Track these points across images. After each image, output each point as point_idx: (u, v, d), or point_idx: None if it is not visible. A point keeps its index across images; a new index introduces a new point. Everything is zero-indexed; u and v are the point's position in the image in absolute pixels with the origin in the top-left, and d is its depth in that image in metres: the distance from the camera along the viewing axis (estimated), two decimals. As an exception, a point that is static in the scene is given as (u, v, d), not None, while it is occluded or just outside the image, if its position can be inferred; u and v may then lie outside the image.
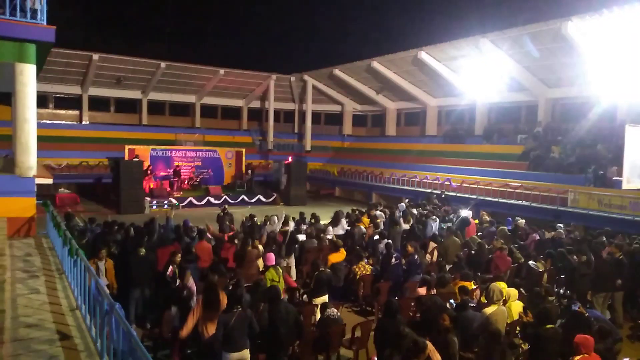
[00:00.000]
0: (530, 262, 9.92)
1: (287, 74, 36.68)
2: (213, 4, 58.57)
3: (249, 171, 29.16)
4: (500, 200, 19.65)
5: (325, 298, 8.40)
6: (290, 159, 28.69)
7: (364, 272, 9.93)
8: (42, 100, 30.03)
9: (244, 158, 30.07)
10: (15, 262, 6.92)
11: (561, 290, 9.73)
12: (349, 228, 13.58)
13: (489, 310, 6.79)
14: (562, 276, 10.03)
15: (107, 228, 11.12)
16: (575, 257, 10.00)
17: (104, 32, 46.72)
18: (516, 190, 19.43)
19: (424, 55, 26.16)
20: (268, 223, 13.16)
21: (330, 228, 13.38)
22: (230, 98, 37.73)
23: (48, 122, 29.51)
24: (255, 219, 13.93)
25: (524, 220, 14.32)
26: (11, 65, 8.42)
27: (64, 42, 20.72)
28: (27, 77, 8.53)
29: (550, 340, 6.10)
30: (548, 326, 6.15)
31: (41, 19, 8.50)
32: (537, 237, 12.60)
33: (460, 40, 24.04)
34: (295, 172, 26.73)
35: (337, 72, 33.07)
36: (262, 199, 26.53)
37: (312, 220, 13.97)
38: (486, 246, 11.26)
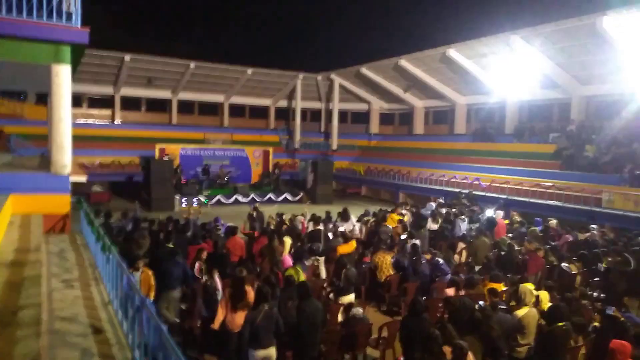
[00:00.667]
0: (563, 264, 9.68)
1: (314, 73, 36.73)
2: (241, 4, 59.19)
3: (276, 170, 29.33)
4: (532, 200, 19.20)
5: (351, 297, 8.38)
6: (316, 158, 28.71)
7: (384, 262, 9.92)
8: (77, 100, 30.92)
9: (271, 157, 30.27)
10: (51, 257, 7.14)
11: (594, 294, 9.43)
12: (358, 224, 13.58)
13: (521, 312, 6.62)
14: (596, 279, 9.74)
15: (137, 225, 11.39)
16: (610, 259, 9.71)
17: (135, 32, 47.80)
18: (548, 190, 18.96)
19: (452, 52, 25.80)
20: (294, 222, 13.22)
21: (338, 224, 13.42)
22: (258, 97, 38.04)
23: (82, 121, 30.38)
24: (283, 216, 14.04)
25: (556, 221, 13.97)
26: (47, 67, 8.69)
27: (97, 43, 21.25)
28: (62, 78, 8.78)
29: (560, 339, 5.94)
30: (560, 324, 6.00)
31: (75, 22, 8.73)
32: (570, 239, 12.28)
33: (489, 37, 23.61)
34: (322, 171, 26.76)
35: (364, 70, 32.92)
36: (289, 197, 26.64)
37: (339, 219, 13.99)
38: (516, 247, 11.03)
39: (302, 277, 8.20)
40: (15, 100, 28.78)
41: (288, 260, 8.71)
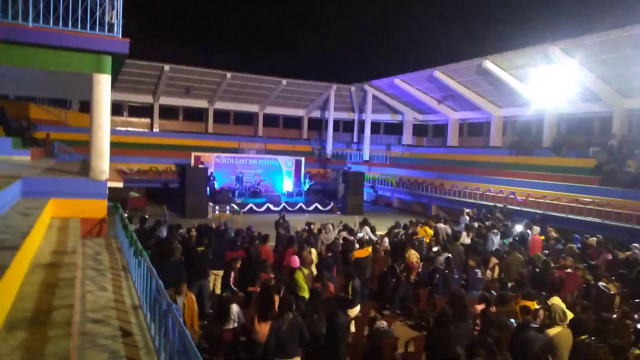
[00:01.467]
0: (600, 284, 9.30)
1: (347, 84, 36.87)
2: (277, 16, 60.14)
3: (307, 180, 29.45)
4: (569, 216, 18.59)
5: (357, 309, 8.24)
6: (348, 168, 28.66)
7: (413, 259, 10.28)
8: (117, 109, 32.05)
9: (303, 166, 30.44)
10: (87, 260, 7.36)
11: (636, 315, 9.00)
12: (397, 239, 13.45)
13: (553, 331, 6.28)
14: (637, 300, 9.30)
15: (171, 232, 11.63)
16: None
17: (174, 43, 49.17)
18: (587, 207, 18.31)
19: (488, 64, 25.41)
20: (323, 231, 13.22)
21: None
22: (292, 108, 38.44)
23: (122, 129, 31.39)
24: (312, 226, 14.06)
25: (595, 238, 13.47)
26: (89, 76, 9.03)
27: (138, 53, 22.00)
28: (103, 87, 9.09)
29: (583, 352, 5.68)
30: (582, 337, 5.76)
31: (117, 32, 9.06)
32: (610, 257, 11.79)
33: (527, 49, 23.15)
34: (353, 182, 26.70)
35: (397, 81, 32.81)
36: (320, 207, 26.68)
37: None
38: (552, 264, 10.67)
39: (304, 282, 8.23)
40: (60, 108, 30.06)
41: (295, 261, 8.75)
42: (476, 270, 9.66)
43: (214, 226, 12.71)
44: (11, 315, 4.14)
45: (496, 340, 5.98)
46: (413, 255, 10.92)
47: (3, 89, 15.86)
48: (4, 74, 10.09)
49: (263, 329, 6.47)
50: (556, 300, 7.38)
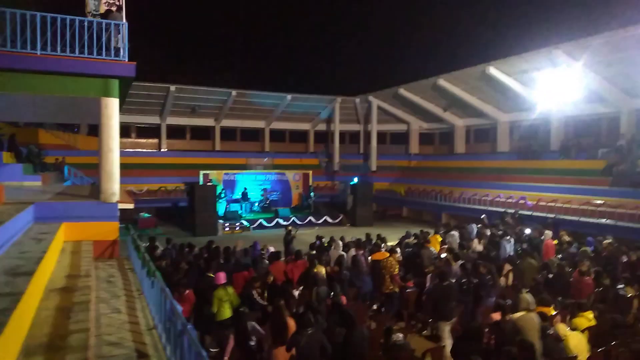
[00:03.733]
0: (619, 287, 9.16)
1: (351, 96, 37.03)
2: (278, 33, 60.75)
3: (311, 194, 29.38)
4: (582, 219, 18.41)
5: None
6: (356, 180, 28.64)
7: (389, 266, 10.12)
8: (125, 131, 32.38)
9: (310, 180, 30.49)
10: (100, 282, 7.40)
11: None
12: (411, 249, 13.33)
13: (517, 315, 6.88)
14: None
15: (181, 251, 11.64)
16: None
17: (179, 64, 49.80)
18: (599, 209, 18.15)
19: (492, 70, 25.43)
20: (333, 247, 13.15)
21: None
22: (297, 122, 38.64)
23: (130, 150, 31.70)
24: (323, 240, 14.03)
25: (609, 240, 13.31)
26: (97, 100, 9.17)
27: (144, 75, 22.29)
28: (111, 110, 9.22)
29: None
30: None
31: (123, 56, 9.21)
32: (625, 259, 11.63)
33: (531, 53, 23.15)
34: (361, 193, 26.68)
35: (402, 91, 32.90)
36: (329, 219, 26.66)
37: (378, 241, 13.85)
38: (567, 269, 10.55)
39: (232, 297, 8.17)
40: (69, 132, 30.46)
41: (220, 277, 8.55)
42: (487, 277, 9.54)
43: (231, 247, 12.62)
44: (28, 341, 4.17)
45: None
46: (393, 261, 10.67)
47: (14, 115, 16.10)
48: (15, 101, 10.27)
49: (279, 355, 6.29)
50: (584, 316, 7.47)
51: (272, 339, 6.43)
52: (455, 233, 15.00)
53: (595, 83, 22.41)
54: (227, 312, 8.12)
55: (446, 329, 8.29)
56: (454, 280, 9.36)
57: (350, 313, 6.80)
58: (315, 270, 9.77)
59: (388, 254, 10.98)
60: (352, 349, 6.18)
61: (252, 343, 7.13)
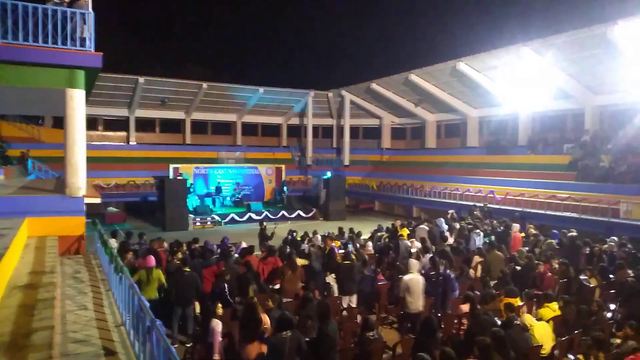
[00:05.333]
0: (582, 277, 9.47)
1: (324, 90, 37.01)
2: (250, 25, 60.14)
3: (284, 187, 29.34)
4: (548, 212, 18.94)
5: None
6: (329, 174, 28.72)
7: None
8: (92, 123, 31.53)
9: (283, 174, 30.39)
10: (66, 279, 7.21)
11: (612, 306, 9.16)
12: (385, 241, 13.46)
13: (407, 277, 8.63)
14: (612, 291, 9.49)
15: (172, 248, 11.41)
16: (630, 271, 9.49)
17: (148, 56, 48.76)
18: (564, 202, 18.70)
19: (462, 66, 25.82)
20: (307, 240, 13.16)
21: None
22: (270, 116, 38.38)
23: (98, 143, 30.88)
24: (295, 234, 14.01)
25: (574, 233, 13.75)
26: (62, 91, 8.87)
27: (111, 67, 21.73)
28: (77, 102, 8.94)
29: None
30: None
31: (89, 46, 8.94)
32: (588, 251, 12.03)
33: (500, 50, 23.61)
34: (334, 187, 26.75)
35: (374, 86, 33.07)
36: (302, 214, 26.64)
37: (351, 235, 13.91)
38: (535, 261, 10.83)
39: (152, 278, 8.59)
40: (33, 125, 29.45)
41: (150, 261, 8.82)
42: (447, 271, 9.69)
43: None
44: (-12, 340, 4.02)
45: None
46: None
47: (-27, 107, 15.48)
48: (-27, 92, 9.86)
49: (250, 350, 6.16)
50: (549, 307, 7.73)
51: (242, 334, 6.33)
52: (425, 226, 15.21)
53: (561, 80, 23.03)
54: (152, 294, 8.45)
55: (348, 299, 9.68)
56: (423, 272, 9.59)
57: (327, 305, 6.82)
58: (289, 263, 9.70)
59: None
60: (328, 340, 6.19)
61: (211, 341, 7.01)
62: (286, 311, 6.52)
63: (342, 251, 11.65)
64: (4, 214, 8.18)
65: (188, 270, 8.92)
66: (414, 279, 8.62)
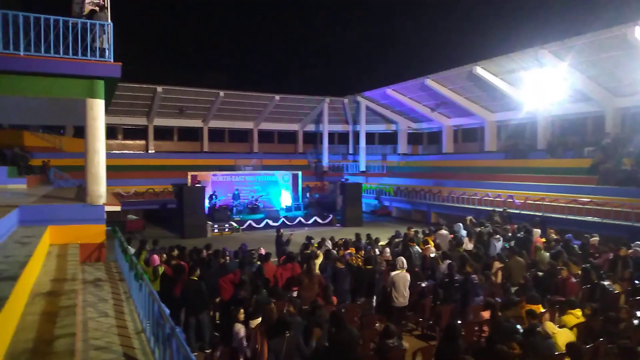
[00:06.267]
0: (606, 283, 9.25)
1: (340, 97, 37.06)
2: (266, 34, 60.61)
3: (307, 194, 29.41)
4: (569, 217, 18.59)
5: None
6: (345, 180, 28.66)
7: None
8: (112, 132, 32.07)
9: (300, 180, 30.43)
10: (87, 286, 7.30)
11: (638, 313, 8.92)
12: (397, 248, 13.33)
13: (394, 272, 9.43)
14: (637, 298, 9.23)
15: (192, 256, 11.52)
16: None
17: (166, 64, 49.46)
18: (585, 206, 18.34)
19: (479, 70, 25.61)
20: (322, 247, 13.10)
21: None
22: (286, 122, 38.58)
23: (117, 152, 31.40)
24: (312, 240, 13.97)
25: (597, 238, 13.46)
26: (83, 101, 9.03)
27: (130, 76, 22.05)
28: (97, 112, 9.10)
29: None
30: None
31: (108, 57, 9.10)
32: (612, 256, 11.76)
33: (517, 53, 23.37)
34: (351, 193, 26.67)
35: (390, 91, 33.00)
36: (319, 220, 26.61)
37: (368, 242, 13.83)
38: (557, 267, 10.61)
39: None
40: (54, 134, 30.06)
41: (155, 260, 8.92)
42: (473, 276, 9.56)
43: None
44: (12, 347, 4.08)
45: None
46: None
47: (-3, 118, 15.86)
48: (-3, 103, 10.10)
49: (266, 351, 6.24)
50: (573, 314, 7.55)
51: (264, 336, 6.44)
52: (444, 231, 15.06)
53: (580, 82, 22.67)
54: (156, 288, 8.33)
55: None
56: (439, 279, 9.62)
57: (339, 314, 6.78)
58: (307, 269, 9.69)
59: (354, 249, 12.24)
60: (340, 348, 6.16)
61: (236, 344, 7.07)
62: (287, 315, 6.56)
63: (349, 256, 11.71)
64: (27, 222, 8.33)
65: (195, 278, 8.81)
66: (400, 275, 9.35)
